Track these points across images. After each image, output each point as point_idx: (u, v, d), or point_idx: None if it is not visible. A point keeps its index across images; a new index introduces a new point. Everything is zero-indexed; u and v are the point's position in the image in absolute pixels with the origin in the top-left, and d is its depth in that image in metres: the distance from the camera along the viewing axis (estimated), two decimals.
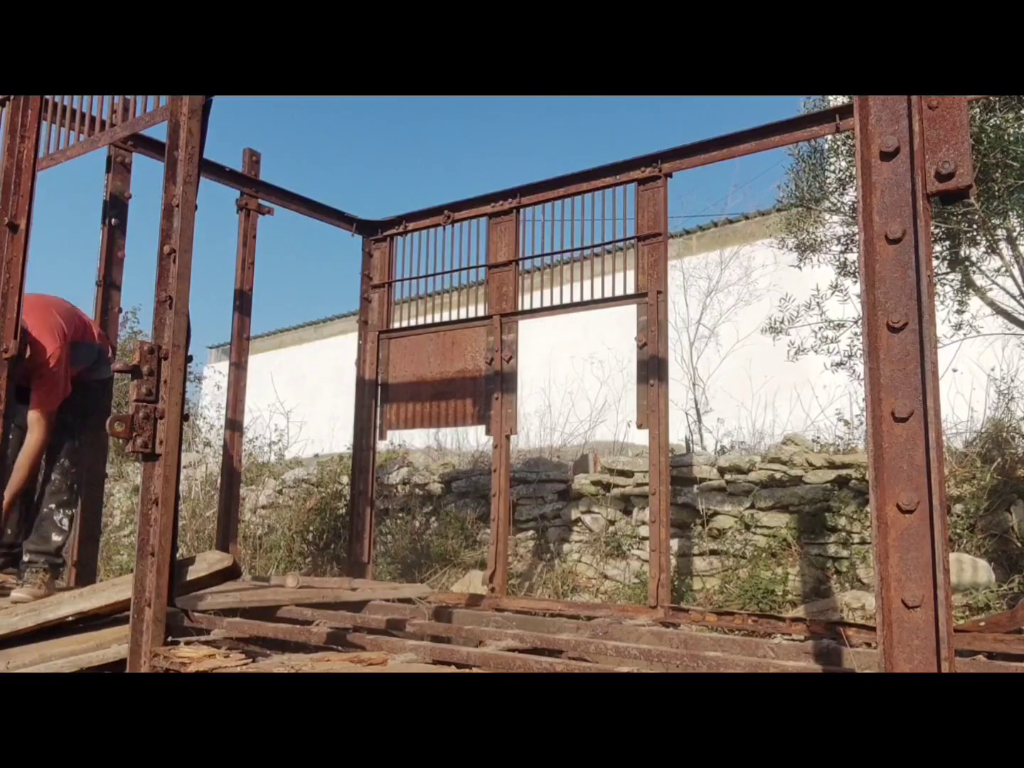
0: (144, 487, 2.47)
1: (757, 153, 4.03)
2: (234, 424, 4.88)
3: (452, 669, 2.32)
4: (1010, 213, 5.33)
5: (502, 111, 43.78)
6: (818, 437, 6.19)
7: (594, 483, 5.82)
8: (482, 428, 4.75)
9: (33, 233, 3.17)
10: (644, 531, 5.32)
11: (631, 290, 4.27)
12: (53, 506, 3.62)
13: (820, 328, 6.63)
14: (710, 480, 5.37)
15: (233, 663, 2.30)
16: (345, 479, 6.76)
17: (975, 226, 5.50)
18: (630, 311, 4.31)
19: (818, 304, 6.59)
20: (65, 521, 3.64)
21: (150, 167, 6.14)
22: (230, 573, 3.66)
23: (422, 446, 8.88)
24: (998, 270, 5.88)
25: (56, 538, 3.59)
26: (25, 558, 3.58)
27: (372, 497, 5.20)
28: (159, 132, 2.92)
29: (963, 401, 5.66)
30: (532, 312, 4.62)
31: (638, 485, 5.59)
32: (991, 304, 5.98)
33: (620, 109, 33.72)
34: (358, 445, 5.22)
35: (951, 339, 6.14)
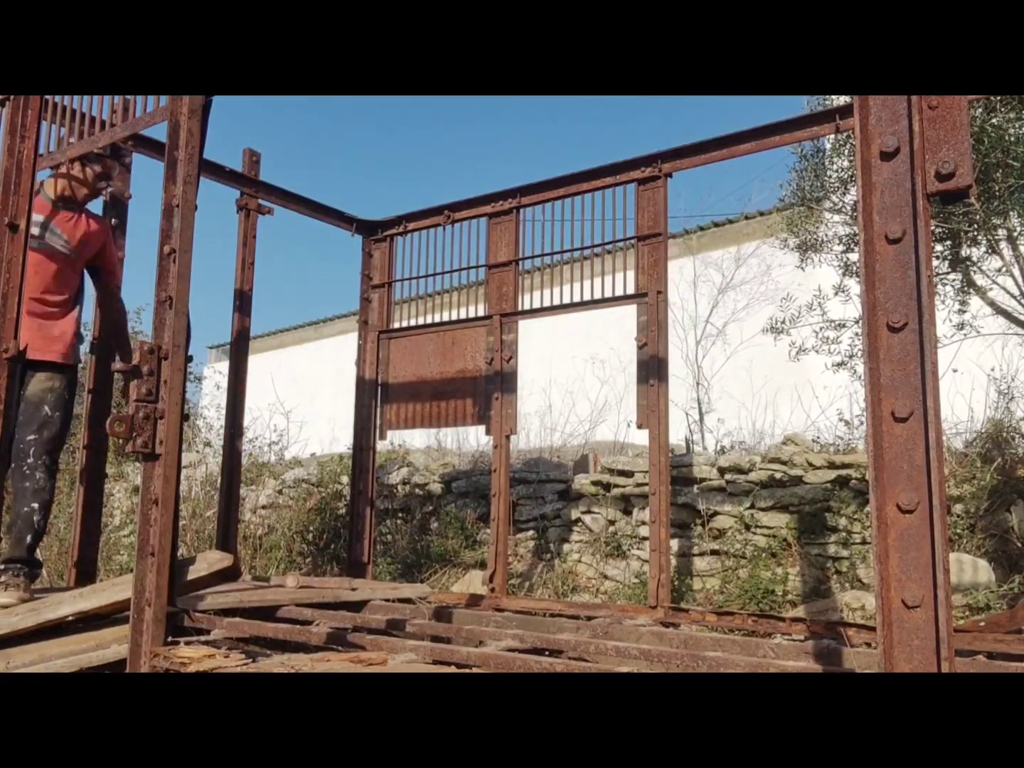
0: (144, 487, 2.47)
1: (758, 153, 4.03)
2: (234, 424, 4.88)
3: (452, 669, 2.32)
4: (1011, 213, 5.33)
5: (502, 111, 43.79)
6: (818, 437, 6.19)
7: (594, 483, 5.82)
8: (482, 428, 4.75)
9: None
10: (644, 531, 5.32)
11: (631, 290, 4.27)
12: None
13: (821, 328, 6.63)
14: (710, 480, 5.37)
15: (233, 663, 2.30)
16: (345, 479, 6.76)
17: (976, 226, 5.50)
18: (630, 311, 4.31)
19: (819, 304, 6.59)
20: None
21: (150, 167, 6.14)
22: (230, 573, 3.67)
23: (422, 446, 8.88)
24: (999, 270, 5.88)
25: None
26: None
27: (372, 497, 5.19)
28: (159, 132, 2.92)
29: (963, 401, 5.66)
30: (532, 312, 4.62)
31: (638, 485, 5.59)
32: (991, 304, 5.98)
33: (620, 109, 33.75)
34: (358, 445, 5.22)
35: (951, 339, 6.14)
